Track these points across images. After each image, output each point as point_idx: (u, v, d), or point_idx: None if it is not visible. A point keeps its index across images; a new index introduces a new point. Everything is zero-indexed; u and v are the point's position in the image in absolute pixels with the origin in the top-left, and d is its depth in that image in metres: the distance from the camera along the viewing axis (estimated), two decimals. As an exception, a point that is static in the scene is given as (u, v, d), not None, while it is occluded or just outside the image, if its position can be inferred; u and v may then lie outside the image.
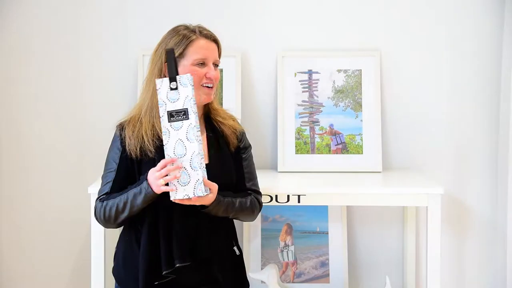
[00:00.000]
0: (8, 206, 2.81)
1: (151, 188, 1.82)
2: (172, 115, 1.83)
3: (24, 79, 2.78)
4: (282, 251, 2.74)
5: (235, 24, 2.77)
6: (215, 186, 1.86)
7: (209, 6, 2.76)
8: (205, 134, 2.02)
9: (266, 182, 2.42)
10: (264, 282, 2.50)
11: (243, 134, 2.10)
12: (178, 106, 1.83)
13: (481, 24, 2.74)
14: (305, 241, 2.74)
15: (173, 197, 1.83)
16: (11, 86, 2.79)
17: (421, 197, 2.28)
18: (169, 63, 1.87)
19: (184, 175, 1.82)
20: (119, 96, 2.76)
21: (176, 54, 1.93)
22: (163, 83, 1.85)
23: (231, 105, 2.71)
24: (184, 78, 1.84)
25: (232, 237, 2.07)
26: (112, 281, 2.66)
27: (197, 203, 1.84)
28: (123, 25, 2.77)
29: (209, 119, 2.04)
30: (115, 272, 2.05)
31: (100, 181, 2.01)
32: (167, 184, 1.81)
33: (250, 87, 2.78)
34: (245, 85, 2.77)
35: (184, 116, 1.83)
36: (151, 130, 1.91)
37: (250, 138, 2.75)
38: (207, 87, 1.95)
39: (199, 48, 1.94)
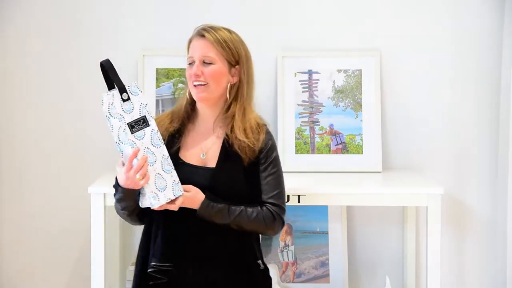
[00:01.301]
0: (8, 206, 2.80)
1: (123, 187, 1.82)
2: (133, 126, 1.80)
3: (24, 79, 2.78)
4: (282, 251, 2.74)
5: (235, 24, 2.76)
6: (193, 187, 1.87)
7: (209, 6, 2.76)
8: (222, 137, 1.96)
9: (266, 182, 2.42)
10: (264, 282, 2.50)
11: (263, 148, 1.94)
12: (135, 115, 1.80)
13: (481, 24, 2.73)
14: (305, 241, 2.73)
15: (156, 205, 1.81)
16: (10, 87, 2.78)
17: (421, 197, 2.28)
18: (112, 75, 1.81)
19: (160, 180, 1.81)
20: (119, 96, 2.76)
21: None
22: (114, 97, 1.80)
23: (231, 105, 2.70)
24: (133, 87, 1.82)
25: (250, 251, 1.97)
26: (111, 281, 2.67)
27: (176, 206, 1.82)
28: (123, 25, 2.77)
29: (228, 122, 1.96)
30: None
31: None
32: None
33: (250, 87, 2.77)
34: (245, 85, 2.76)
35: (144, 124, 1.81)
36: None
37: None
38: (195, 85, 1.92)
39: (189, 49, 1.97)
